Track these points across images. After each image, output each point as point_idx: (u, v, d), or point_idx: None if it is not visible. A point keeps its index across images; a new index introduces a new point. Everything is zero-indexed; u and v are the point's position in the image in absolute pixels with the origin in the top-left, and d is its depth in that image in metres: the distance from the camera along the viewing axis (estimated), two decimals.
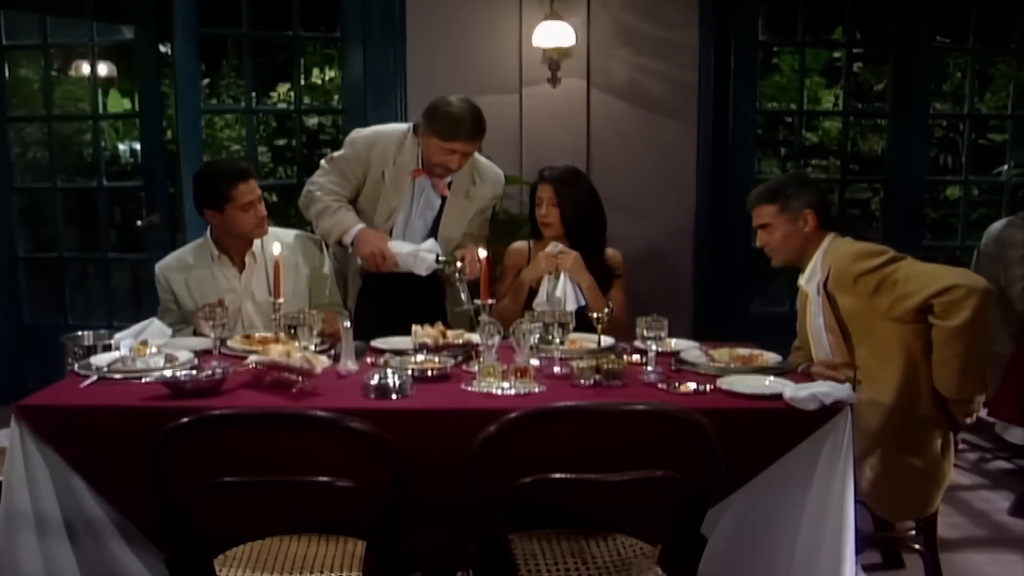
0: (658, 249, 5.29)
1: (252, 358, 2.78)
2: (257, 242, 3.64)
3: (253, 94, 5.89)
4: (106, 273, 5.67)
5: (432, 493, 2.23)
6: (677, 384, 2.74)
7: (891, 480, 2.96)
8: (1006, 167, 6.24)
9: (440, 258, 3.62)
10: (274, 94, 8.51)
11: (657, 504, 2.25)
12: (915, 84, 5.53)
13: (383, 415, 2.47)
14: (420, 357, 2.99)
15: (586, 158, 5.24)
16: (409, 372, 2.75)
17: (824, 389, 2.51)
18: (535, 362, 2.91)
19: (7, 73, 5.45)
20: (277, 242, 3.41)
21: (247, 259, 3.64)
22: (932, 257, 3.75)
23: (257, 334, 3.32)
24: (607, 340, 3.18)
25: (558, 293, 3.68)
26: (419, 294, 3.75)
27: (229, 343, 3.17)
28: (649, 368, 2.88)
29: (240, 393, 2.69)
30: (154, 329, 3.23)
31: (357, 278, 3.90)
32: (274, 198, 6.60)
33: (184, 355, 2.98)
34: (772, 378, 2.79)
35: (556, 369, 2.93)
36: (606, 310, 3.18)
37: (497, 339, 2.80)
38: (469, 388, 2.71)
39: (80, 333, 3.27)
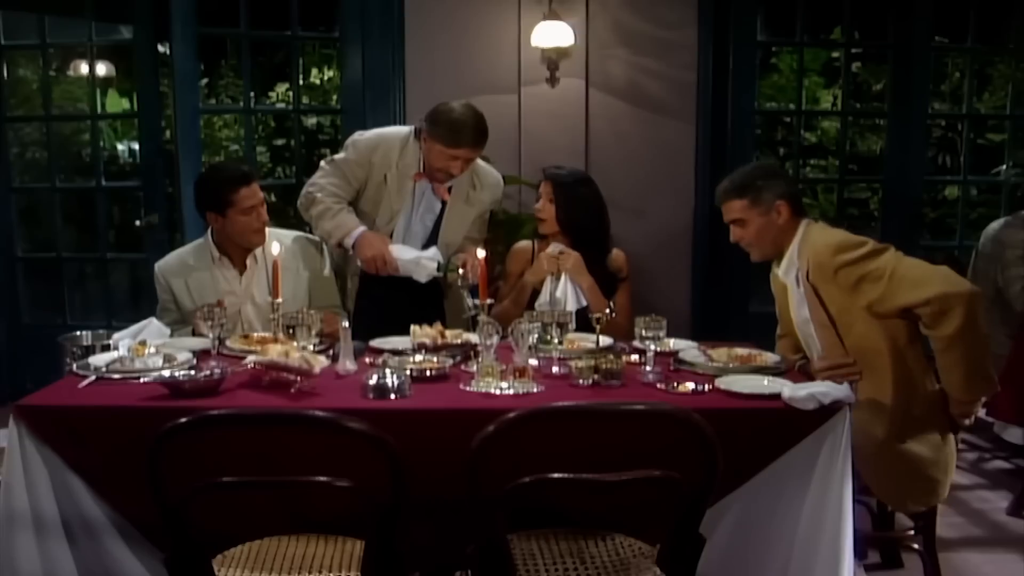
0: (657, 248, 5.29)
1: (250, 358, 2.78)
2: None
3: (252, 94, 5.89)
4: (104, 273, 5.67)
5: (430, 493, 2.23)
6: (676, 384, 2.74)
7: (898, 469, 2.95)
8: (1004, 167, 6.25)
9: (441, 266, 3.63)
10: (273, 94, 8.51)
11: (656, 504, 2.25)
12: (914, 84, 5.53)
13: (381, 415, 2.47)
14: (419, 357, 2.99)
15: (584, 158, 5.24)
16: (408, 372, 2.74)
17: (822, 389, 2.51)
18: (534, 362, 2.91)
19: (5, 73, 5.44)
20: (276, 242, 3.41)
21: (248, 261, 3.64)
22: (930, 257, 3.74)
23: (256, 334, 3.32)
24: (605, 340, 3.18)
25: (558, 294, 3.67)
26: (418, 295, 3.74)
27: (228, 343, 3.17)
28: (648, 368, 2.88)
29: (238, 393, 2.69)
30: (152, 329, 3.24)
31: (355, 279, 3.90)
32: (273, 198, 6.59)
33: (183, 355, 2.98)
34: (771, 378, 2.79)
35: (555, 369, 2.93)
36: (607, 311, 3.19)
37: (496, 339, 2.80)
38: (468, 388, 2.71)
39: (78, 333, 3.27)
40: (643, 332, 2.89)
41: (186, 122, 5.02)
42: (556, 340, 3.04)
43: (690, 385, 2.72)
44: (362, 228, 3.68)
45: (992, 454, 4.84)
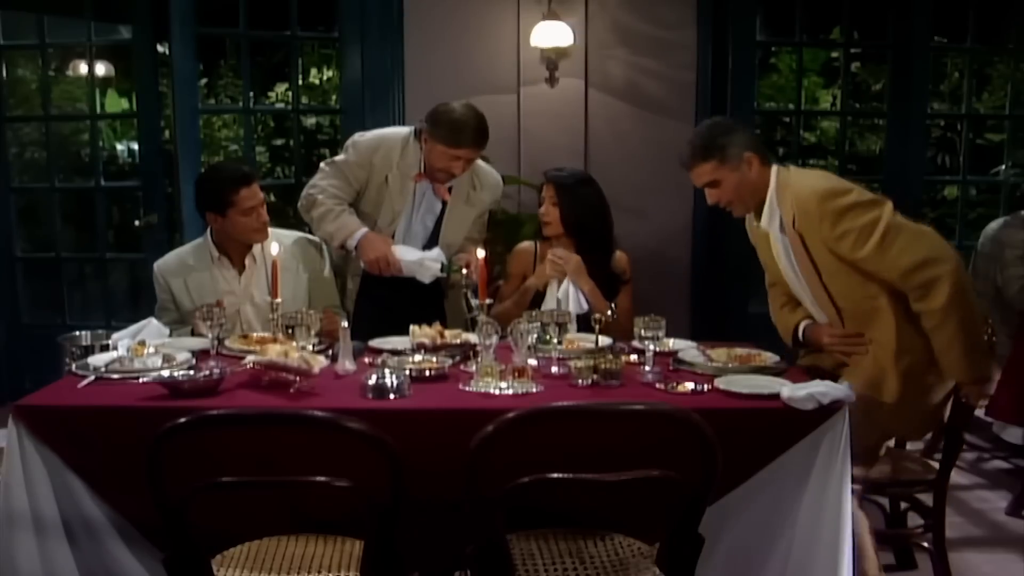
0: (656, 248, 5.29)
1: (250, 358, 2.78)
2: (257, 244, 3.63)
3: (251, 94, 5.89)
4: (104, 273, 5.67)
5: (430, 493, 2.23)
6: (675, 384, 2.74)
7: (905, 397, 2.96)
8: (1004, 167, 6.25)
9: (445, 267, 3.63)
10: (272, 94, 8.51)
11: (655, 504, 2.25)
12: (913, 84, 5.53)
13: (381, 415, 2.47)
14: (418, 357, 2.99)
15: (584, 158, 5.25)
16: (407, 372, 2.74)
17: (821, 389, 2.51)
18: (533, 362, 2.90)
19: (4, 73, 5.45)
20: (276, 243, 3.41)
21: (247, 261, 3.64)
22: None
23: (255, 334, 3.32)
24: (605, 340, 3.18)
25: (559, 295, 3.67)
26: (419, 295, 3.74)
27: (227, 343, 3.17)
28: (647, 368, 2.88)
29: (238, 393, 2.69)
30: (152, 329, 3.23)
31: (356, 279, 3.90)
32: (272, 198, 6.59)
33: (182, 355, 2.98)
34: (770, 378, 2.79)
35: (554, 369, 2.93)
36: (608, 312, 3.18)
37: (495, 339, 2.80)
38: (467, 388, 2.71)
39: (77, 333, 3.25)
40: (642, 332, 2.89)
41: (185, 122, 5.02)
42: (555, 340, 3.05)
43: (689, 385, 2.72)
44: (364, 229, 3.68)
45: (991, 454, 4.83)
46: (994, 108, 7.43)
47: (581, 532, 2.47)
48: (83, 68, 6.17)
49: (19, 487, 2.47)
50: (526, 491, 2.09)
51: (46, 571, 2.49)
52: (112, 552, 2.57)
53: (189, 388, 2.62)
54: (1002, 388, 4.07)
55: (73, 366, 2.93)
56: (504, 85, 5.22)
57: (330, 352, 3.06)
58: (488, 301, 3.03)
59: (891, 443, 3.28)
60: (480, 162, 3.87)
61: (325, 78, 8.55)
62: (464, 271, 3.45)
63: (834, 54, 7.73)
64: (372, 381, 2.61)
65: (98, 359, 2.95)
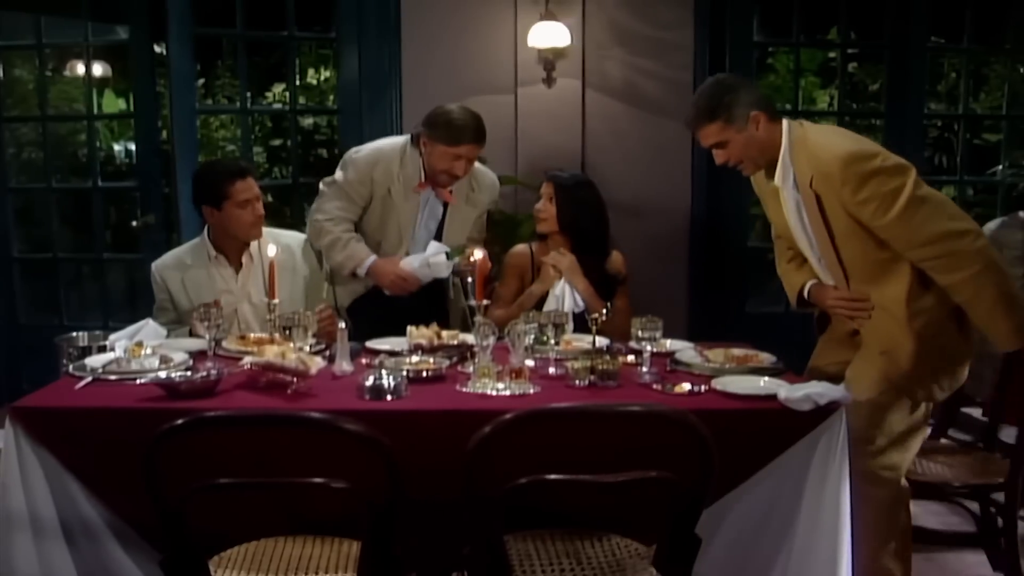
0: (653, 248, 5.28)
1: (247, 359, 2.78)
2: (254, 243, 3.64)
3: (248, 94, 5.88)
4: (101, 274, 5.66)
5: (427, 494, 2.23)
6: (672, 385, 2.74)
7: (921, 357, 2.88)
8: (1001, 167, 6.26)
9: (450, 254, 3.65)
10: (269, 94, 8.50)
11: (652, 505, 2.25)
12: (910, 84, 5.53)
13: (378, 416, 2.48)
14: (415, 358, 2.99)
15: (581, 158, 5.25)
16: (404, 373, 2.74)
17: (818, 390, 2.52)
18: (530, 363, 2.91)
19: (2, 73, 5.45)
20: (273, 244, 3.42)
21: (244, 259, 3.65)
22: None
23: (252, 335, 3.32)
24: (602, 340, 3.18)
25: (556, 292, 3.67)
26: (422, 293, 3.76)
27: (224, 344, 3.17)
28: (644, 369, 2.89)
29: (235, 394, 2.69)
30: (149, 330, 3.23)
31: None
32: (269, 198, 6.59)
33: (179, 356, 2.99)
34: (767, 379, 2.79)
35: (551, 370, 2.94)
36: (603, 311, 3.19)
37: (492, 340, 2.80)
38: (464, 389, 2.71)
39: (75, 334, 3.27)
40: (639, 333, 2.90)
41: (182, 122, 5.02)
42: (552, 341, 3.05)
43: (686, 386, 2.73)
44: (372, 257, 3.70)
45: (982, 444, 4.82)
46: (991, 108, 7.43)
47: (578, 533, 2.47)
48: (80, 68, 6.16)
49: (16, 488, 2.46)
50: (523, 492, 2.09)
51: (44, 573, 2.49)
52: (109, 553, 2.57)
53: (186, 389, 2.61)
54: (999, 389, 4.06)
55: (70, 367, 2.93)
56: (501, 85, 5.21)
57: (327, 353, 3.06)
58: (485, 302, 3.03)
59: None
60: (476, 163, 3.88)
61: (323, 78, 8.55)
62: (468, 254, 3.47)
63: (831, 54, 7.74)
64: (369, 382, 2.61)
65: (95, 360, 2.95)
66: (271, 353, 2.72)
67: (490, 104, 4.64)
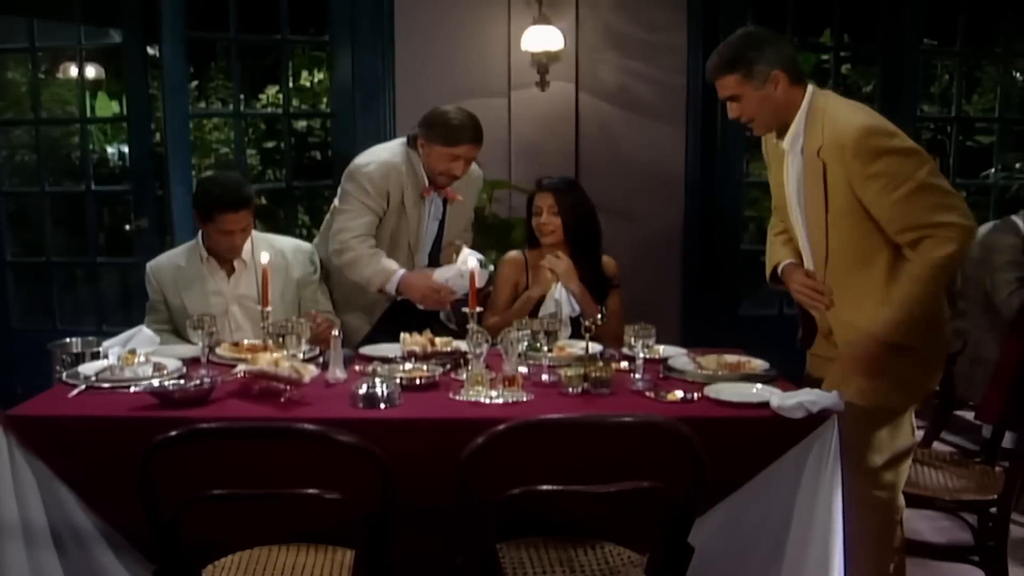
0: (647, 252, 5.30)
1: (240, 367, 2.79)
2: (247, 247, 3.64)
3: (241, 96, 5.87)
4: (95, 277, 5.64)
5: (420, 502, 2.24)
6: (665, 392, 2.75)
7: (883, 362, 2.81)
8: (993, 170, 6.27)
9: (483, 262, 3.56)
10: (263, 96, 8.48)
11: (645, 513, 2.26)
12: (903, 86, 5.54)
13: (371, 425, 2.49)
14: (408, 365, 3.00)
15: (575, 161, 5.25)
16: (397, 381, 2.75)
17: (811, 397, 2.53)
18: (523, 369, 2.91)
19: None
20: (267, 250, 3.42)
21: (236, 264, 3.65)
22: None
23: (246, 341, 3.32)
24: (595, 347, 3.19)
25: (555, 296, 3.67)
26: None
27: (217, 351, 3.17)
28: (637, 376, 2.89)
29: (228, 402, 2.69)
30: (142, 337, 3.22)
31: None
32: (263, 201, 6.58)
33: (172, 364, 2.98)
34: (759, 386, 2.80)
35: (544, 377, 2.94)
36: (598, 316, 3.19)
37: (485, 348, 2.81)
38: (457, 397, 2.72)
39: (68, 340, 3.25)
40: (632, 340, 2.90)
41: (176, 126, 5.01)
42: (545, 348, 3.05)
43: (679, 393, 2.74)
44: (401, 272, 3.62)
45: (980, 458, 4.83)
46: (984, 110, 7.44)
47: (571, 541, 2.48)
48: (73, 71, 6.16)
49: (9, 497, 2.47)
50: (516, 501, 2.10)
51: None
52: (102, 562, 2.57)
53: (180, 398, 2.62)
54: (992, 392, 4.08)
55: (63, 375, 2.93)
56: (495, 89, 5.21)
57: (320, 360, 3.06)
58: (479, 309, 3.03)
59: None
60: None
61: (316, 80, 8.53)
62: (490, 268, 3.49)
63: (824, 56, 7.73)
64: (363, 390, 2.62)
65: (88, 368, 2.94)
66: (264, 361, 2.73)
67: (483, 107, 4.62)
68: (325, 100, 7.82)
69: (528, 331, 3.01)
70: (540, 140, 5.22)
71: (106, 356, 3.02)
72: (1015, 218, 4.51)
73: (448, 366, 3.03)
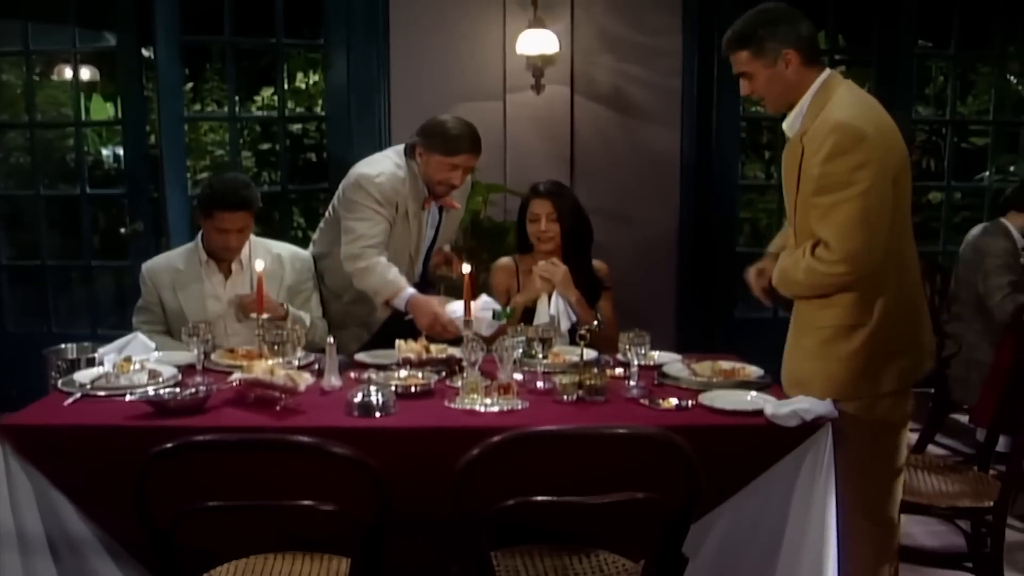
0: (642, 255, 5.31)
1: (236, 375, 2.79)
2: (245, 251, 3.66)
3: (236, 99, 5.87)
4: (89, 280, 5.65)
5: (415, 511, 2.24)
6: (659, 400, 2.76)
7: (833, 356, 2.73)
8: (987, 173, 6.28)
9: (497, 315, 3.44)
10: (258, 98, 8.48)
11: (639, 521, 2.26)
12: (898, 89, 5.54)
13: (366, 434, 2.49)
14: (403, 372, 3.00)
15: (570, 165, 5.26)
16: (392, 388, 2.75)
17: (805, 406, 2.53)
18: (518, 376, 2.92)
19: None
20: (263, 255, 3.43)
21: (233, 267, 3.67)
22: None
23: (241, 348, 3.32)
24: (590, 353, 3.19)
25: (552, 311, 3.65)
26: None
27: (213, 357, 3.17)
28: (631, 383, 2.90)
29: (224, 411, 2.69)
30: (138, 344, 3.23)
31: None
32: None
33: (168, 371, 2.98)
34: (754, 393, 2.81)
35: (539, 384, 2.95)
36: (595, 323, 3.19)
37: (480, 355, 2.81)
38: (452, 405, 2.72)
39: (63, 346, 3.24)
40: (627, 347, 2.91)
41: (170, 128, 5.02)
42: (540, 355, 3.05)
43: (673, 401, 2.74)
44: (410, 291, 3.57)
45: (975, 463, 4.84)
46: (978, 112, 7.46)
47: (566, 549, 2.48)
48: (68, 73, 6.15)
49: (4, 505, 2.47)
50: (511, 510, 2.10)
51: None
52: (98, 570, 2.58)
53: (175, 406, 2.62)
54: (986, 396, 4.09)
55: (59, 382, 2.93)
56: (490, 92, 5.22)
57: (315, 367, 3.06)
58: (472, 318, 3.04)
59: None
60: None
61: (311, 82, 8.52)
62: (507, 309, 3.46)
63: None
64: (358, 399, 2.62)
65: (84, 375, 2.94)
66: (260, 369, 2.73)
67: (478, 111, 4.65)
68: (320, 103, 7.82)
69: (523, 338, 3.01)
70: (535, 143, 5.23)
71: (101, 363, 3.02)
72: (1004, 220, 4.52)
73: (443, 373, 3.04)
